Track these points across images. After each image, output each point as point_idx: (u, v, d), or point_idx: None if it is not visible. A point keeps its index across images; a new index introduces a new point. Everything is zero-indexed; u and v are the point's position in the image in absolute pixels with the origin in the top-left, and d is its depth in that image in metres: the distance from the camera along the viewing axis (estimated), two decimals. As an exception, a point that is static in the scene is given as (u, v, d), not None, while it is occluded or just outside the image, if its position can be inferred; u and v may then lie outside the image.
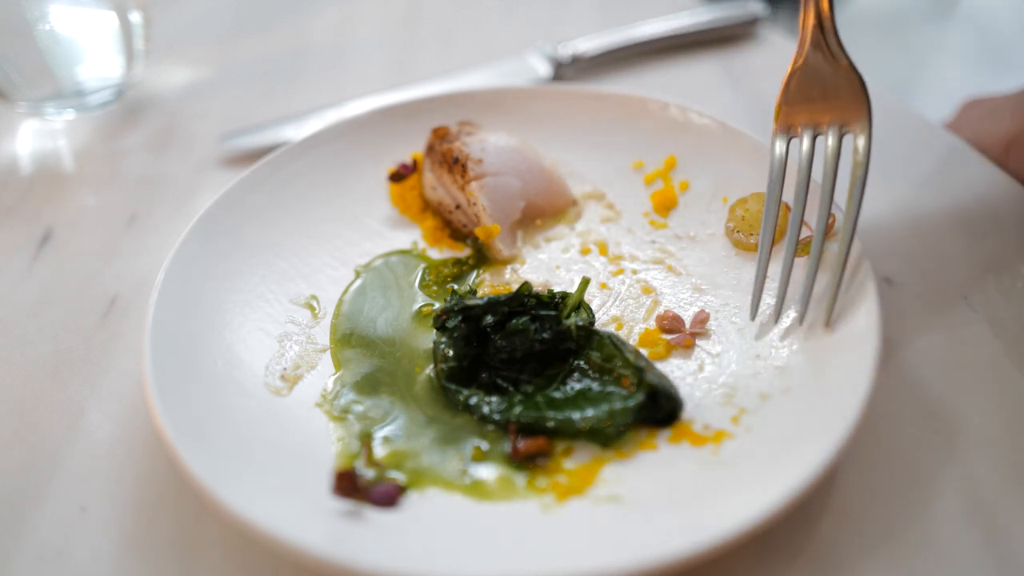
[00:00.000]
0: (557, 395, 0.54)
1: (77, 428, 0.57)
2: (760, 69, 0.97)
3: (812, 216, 0.62)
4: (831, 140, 0.59)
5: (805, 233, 0.61)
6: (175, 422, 0.48)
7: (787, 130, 0.61)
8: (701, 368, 0.56)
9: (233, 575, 0.48)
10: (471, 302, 0.58)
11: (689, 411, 0.53)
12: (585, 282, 0.60)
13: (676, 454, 0.50)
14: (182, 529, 0.50)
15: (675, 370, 0.57)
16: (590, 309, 0.61)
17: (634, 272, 0.65)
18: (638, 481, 0.49)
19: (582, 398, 0.54)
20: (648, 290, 0.63)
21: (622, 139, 0.76)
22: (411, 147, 0.77)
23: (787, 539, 0.48)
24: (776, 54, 1.00)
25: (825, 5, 0.61)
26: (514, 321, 0.57)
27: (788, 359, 0.54)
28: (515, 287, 0.60)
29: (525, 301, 0.58)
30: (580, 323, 0.57)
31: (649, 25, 1.00)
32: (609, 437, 0.51)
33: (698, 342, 0.58)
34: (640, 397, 0.52)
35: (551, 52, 0.97)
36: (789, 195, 0.61)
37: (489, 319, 0.57)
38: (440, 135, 0.73)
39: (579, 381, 0.55)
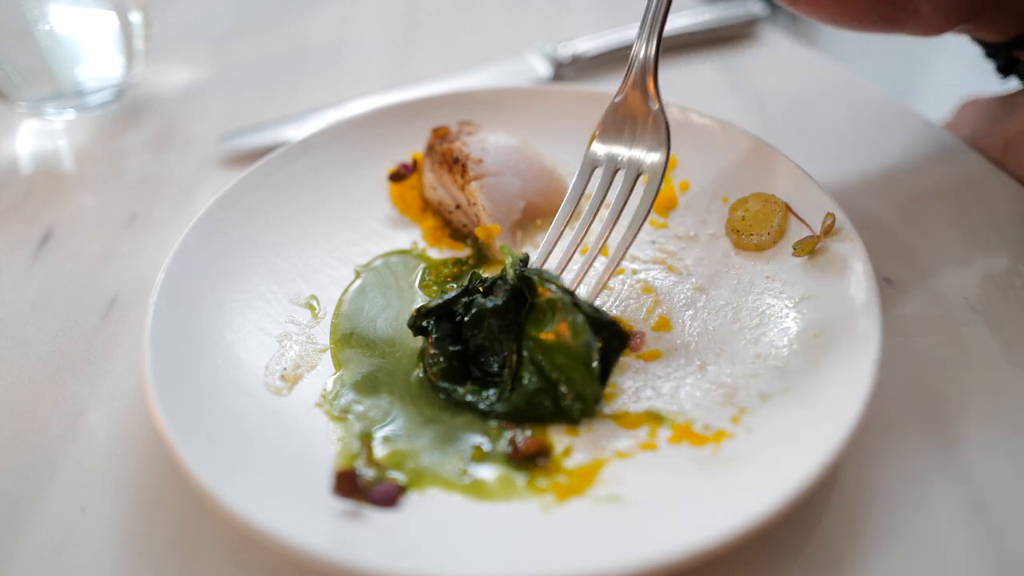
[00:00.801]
0: (531, 383, 0.54)
1: (77, 428, 0.57)
2: (760, 69, 0.97)
3: (816, 219, 0.62)
4: (624, 177, 0.62)
5: (805, 233, 0.61)
6: (175, 422, 0.48)
7: (592, 160, 0.64)
8: (701, 368, 0.56)
9: (233, 575, 0.48)
10: (432, 303, 0.59)
11: (689, 411, 0.53)
12: (505, 250, 0.60)
13: (676, 454, 0.50)
14: (182, 529, 0.50)
15: (675, 370, 0.57)
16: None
17: (634, 272, 0.65)
18: (638, 481, 0.49)
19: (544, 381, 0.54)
20: (648, 290, 0.63)
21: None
22: (411, 147, 0.77)
23: (787, 539, 0.48)
24: (776, 54, 1.00)
25: (652, 51, 0.63)
26: (473, 304, 0.57)
27: (788, 359, 0.54)
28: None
29: (477, 287, 0.59)
30: (519, 269, 0.58)
31: (649, 25, 1.00)
32: (584, 410, 0.53)
33: (697, 343, 0.58)
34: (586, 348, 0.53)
35: (551, 52, 0.97)
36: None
37: (460, 313, 0.58)
38: (440, 135, 0.73)
39: (533, 362, 0.55)
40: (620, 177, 0.62)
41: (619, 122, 0.64)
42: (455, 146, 0.70)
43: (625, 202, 0.60)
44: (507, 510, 0.48)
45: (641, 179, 0.61)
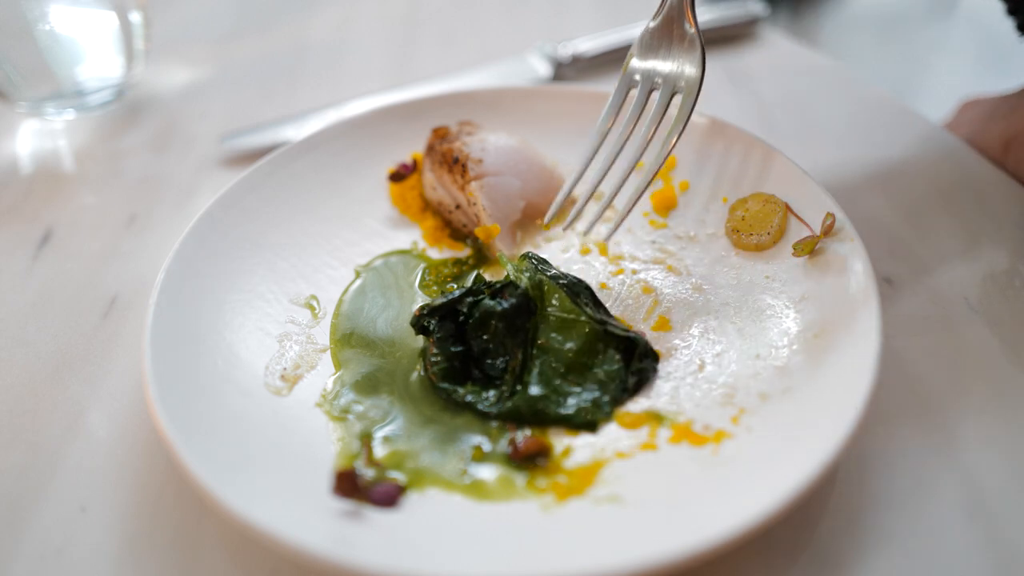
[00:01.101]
0: (536, 390, 0.55)
1: (77, 428, 0.57)
2: (760, 69, 0.97)
3: (816, 219, 0.62)
4: (660, 95, 0.65)
5: (805, 233, 0.61)
6: (175, 422, 0.48)
7: (630, 79, 0.67)
8: (701, 368, 0.57)
9: (233, 575, 0.48)
10: (436, 302, 0.59)
11: (689, 411, 0.53)
12: (501, 255, 0.64)
13: (676, 454, 0.50)
14: (182, 529, 0.50)
15: (675, 370, 0.57)
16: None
17: (634, 272, 0.65)
18: (638, 481, 0.49)
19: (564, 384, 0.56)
20: (648, 290, 0.63)
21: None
22: (411, 147, 0.77)
23: (787, 539, 0.48)
24: (776, 54, 1.00)
25: None
26: (479, 305, 0.58)
27: (788, 359, 0.54)
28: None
29: (483, 289, 0.59)
30: (529, 276, 0.59)
31: (649, 25, 1.00)
32: (595, 422, 0.54)
33: (697, 343, 0.58)
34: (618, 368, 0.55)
35: (551, 52, 0.97)
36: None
37: (464, 314, 0.58)
38: (440, 135, 0.73)
39: (553, 362, 0.56)
40: (655, 98, 0.65)
41: (654, 46, 0.66)
42: (455, 146, 0.70)
43: (663, 115, 0.64)
44: (507, 510, 0.48)
45: (675, 100, 0.64)
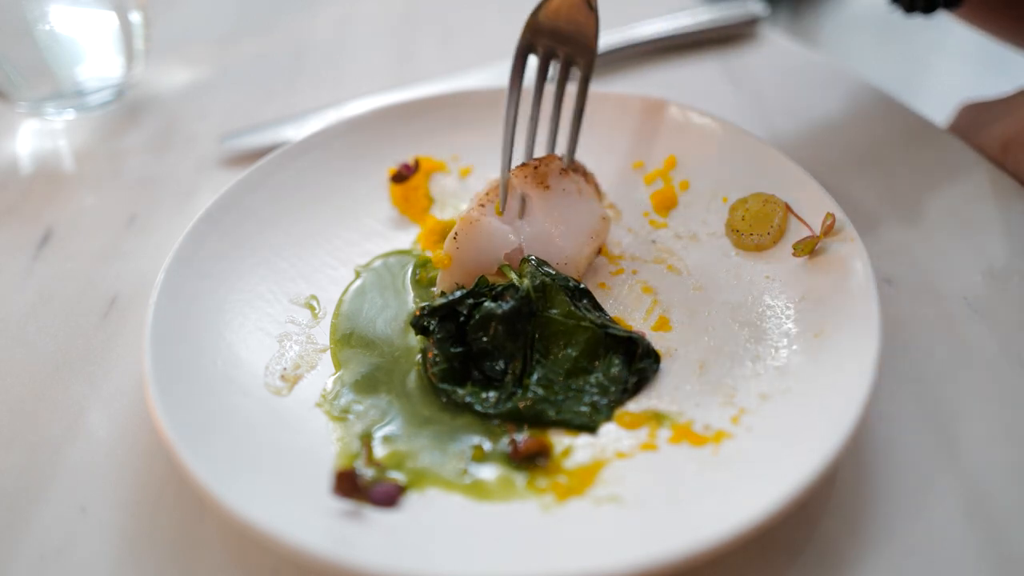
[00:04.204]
0: (536, 393, 0.55)
1: (77, 428, 0.57)
2: (760, 69, 0.97)
3: (816, 219, 0.62)
4: (560, 64, 0.68)
5: (805, 233, 0.61)
6: (175, 422, 0.48)
7: (528, 45, 0.68)
8: (701, 368, 0.56)
9: (233, 575, 0.48)
10: (436, 303, 0.59)
11: (689, 411, 0.53)
12: (506, 266, 0.62)
13: (676, 454, 0.50)
14: (182, 529, 0.50)
15: (675, 370, 0.57)
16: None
17: (634, 272, 0.65)
18: (638, 481, 0.49)
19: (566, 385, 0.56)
20: (648, 290, 0.63)
21: (622, 139, 0.76)
22: (411, 147, 0.77)
23: (787, 539, 0.48)
24: (776, 54, 1.00)
25: None
26: (480, 307, 0.58)
27: (788, 359, 0.54)
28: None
29: (484, 291, 0.59)
30: (530, 278, 0.59)
31: (649, 25, 1.00)
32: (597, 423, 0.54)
33: (697, 343, 0.58)
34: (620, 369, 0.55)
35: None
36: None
37: (464, 315, 0.58)
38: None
39: (553, 366, 0.57)
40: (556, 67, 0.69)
41: (552, 16, 0.67)
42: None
43: (565, 79, 0.68)
44: (507, 510, 0.48)
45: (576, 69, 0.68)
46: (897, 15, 0.79)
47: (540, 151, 0.69)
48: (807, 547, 0.47)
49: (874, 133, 0.84)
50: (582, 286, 0.61)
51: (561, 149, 0.70)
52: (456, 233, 0.63)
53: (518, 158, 0.68)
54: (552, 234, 0.63)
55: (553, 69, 0.69)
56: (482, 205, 0.64)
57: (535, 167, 0.66)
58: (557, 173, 0.66)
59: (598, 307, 0.60)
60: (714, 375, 0.56)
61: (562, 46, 0.68)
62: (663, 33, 0.99)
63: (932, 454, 0.52)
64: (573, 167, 0.68)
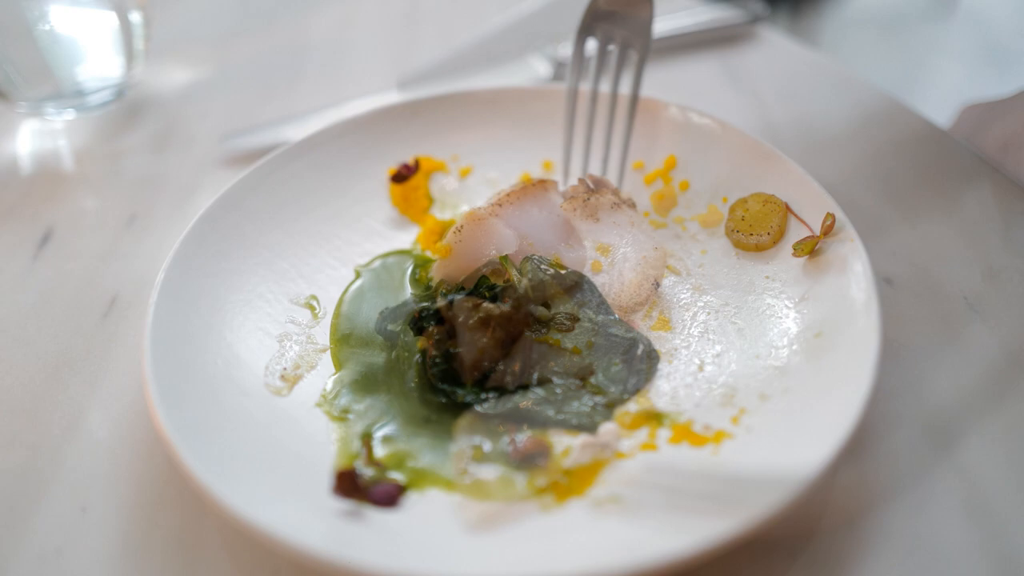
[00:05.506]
0: (536, 393, 0.55)
1: (77, 428, 0.57)
2: (760, 69, 0.96)
3: (816, 219, 0.62)
4: (616, 50, 0.71)
5: (805, 233, 0.61)
6: (175, 422, 0.48)
7: (586, 31, 0.72)
8: (701, 368, 0.57)
9: (233, 575, 0.48)
10: (434, 304, 0.59)
11: (689, 411, 0.53)
12: (504, 258, 0.62)
13: (676, 454, 0.50)
14: (182, 529, 0.50)
15: (675, 370, 0.57)
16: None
17: (634, 272, 0.65)
18: (638, 481, 0.49)
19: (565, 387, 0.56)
20: (648, 290, 0.63)
21: (622, 139, 0.76)
22: (411, 147, 0.77)
23: (787, 539, 0.48)
24: (776, 54, 1.00)
25: None
26: (479, 307, 0.57)
27: (788, 359, 0.54)
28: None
29: (483, 291, 0.60)
30: (530, 278, 0.59)
31: (649, 25, 1.00)
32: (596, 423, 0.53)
33: (697, 343, 0.58)
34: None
35: (551, 52, 0.97)
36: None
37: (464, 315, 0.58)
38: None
39: (556, 367, 0.57)
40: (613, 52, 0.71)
41: (609, 6, 0.71)
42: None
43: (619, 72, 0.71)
44: (507, 510, 0.48)
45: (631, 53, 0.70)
46: (897, 15, 0.79)
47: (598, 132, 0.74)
48: (807, 547, 0.47)
49: (874, 133, 0.84)
50: (584, 285, 0.61)
51: (617, 138, 0.74)
52: (461, 226, 0.63)
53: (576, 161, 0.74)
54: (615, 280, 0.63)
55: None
56: (499, 205, 0.65)
57: (585, 199, 0.66)
58: (609, 207, 0.66)
59: (601, 300, 0.60)
60: (714, 375, 0.56)
61: (619, 30, 0.70)
62: (663, 33, 0.99)
63: (932, 454, 0.52)
64: (614, 191, 0.69)
